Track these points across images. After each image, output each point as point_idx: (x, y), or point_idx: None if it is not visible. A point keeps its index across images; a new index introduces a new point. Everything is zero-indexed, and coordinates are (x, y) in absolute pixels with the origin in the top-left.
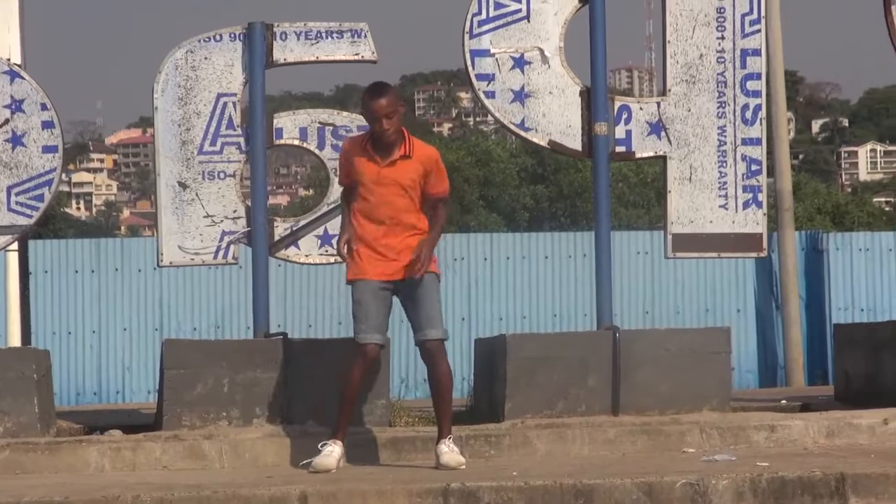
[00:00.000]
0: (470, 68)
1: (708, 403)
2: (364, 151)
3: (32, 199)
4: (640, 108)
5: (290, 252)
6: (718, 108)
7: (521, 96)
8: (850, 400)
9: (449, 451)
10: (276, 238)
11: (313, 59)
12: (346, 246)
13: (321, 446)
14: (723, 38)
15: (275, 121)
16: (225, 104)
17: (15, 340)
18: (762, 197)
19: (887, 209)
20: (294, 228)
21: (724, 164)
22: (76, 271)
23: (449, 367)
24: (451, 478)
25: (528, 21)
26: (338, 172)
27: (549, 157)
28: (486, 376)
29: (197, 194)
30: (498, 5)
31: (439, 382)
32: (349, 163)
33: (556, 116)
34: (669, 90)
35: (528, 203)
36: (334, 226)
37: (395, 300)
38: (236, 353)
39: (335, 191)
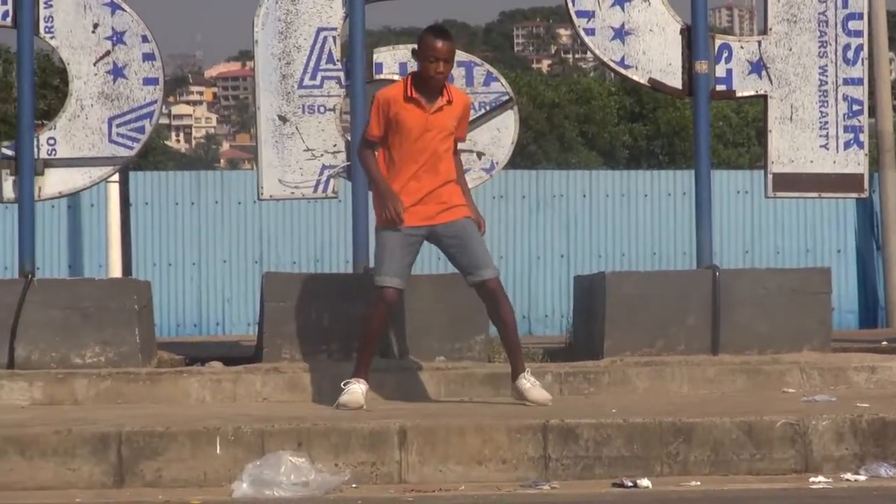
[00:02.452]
0: (570, 5)
1: (808, 344)
2: (410, 99)
3: (133, 130)
4: (741, 47)
5: None
6: (820, 47)
7: (621, 34)
8: None
9: (533, 387)
10: None
11: None
12: (398, 207)
13: (344, 384)
14: None
15: (374, 56)
16: (325, 38)
17: (116, 271)
18: (863, 137)
19: None
20: None
21: (826, 104)
22: (176, 203)
23: (510, 302)
24: (550, 414)
25: None
26: (369, 123)
27: (646, 95)
28: (584, 314)
29: (297, 128)
30: None
31: (505, 319)
32: (390, 112)
33: (656, 54)
34: (770, 29)
35: (626, 141)
36: None
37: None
38: (336, 286)
39: None
